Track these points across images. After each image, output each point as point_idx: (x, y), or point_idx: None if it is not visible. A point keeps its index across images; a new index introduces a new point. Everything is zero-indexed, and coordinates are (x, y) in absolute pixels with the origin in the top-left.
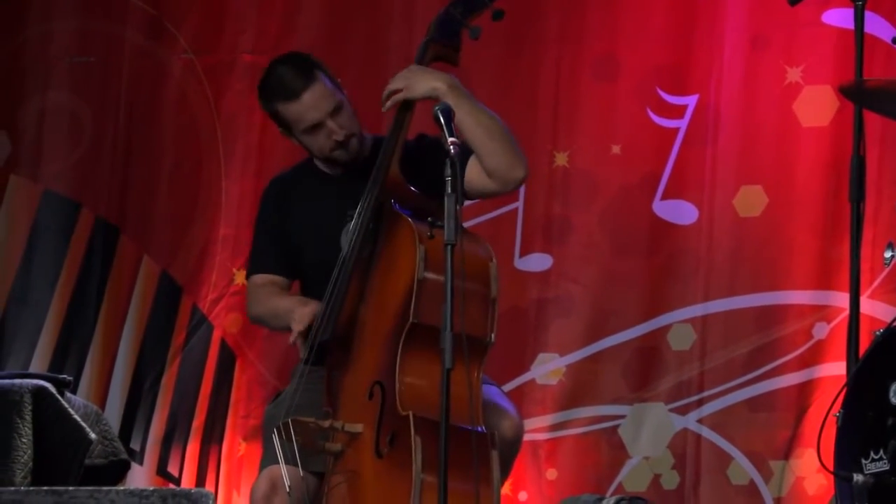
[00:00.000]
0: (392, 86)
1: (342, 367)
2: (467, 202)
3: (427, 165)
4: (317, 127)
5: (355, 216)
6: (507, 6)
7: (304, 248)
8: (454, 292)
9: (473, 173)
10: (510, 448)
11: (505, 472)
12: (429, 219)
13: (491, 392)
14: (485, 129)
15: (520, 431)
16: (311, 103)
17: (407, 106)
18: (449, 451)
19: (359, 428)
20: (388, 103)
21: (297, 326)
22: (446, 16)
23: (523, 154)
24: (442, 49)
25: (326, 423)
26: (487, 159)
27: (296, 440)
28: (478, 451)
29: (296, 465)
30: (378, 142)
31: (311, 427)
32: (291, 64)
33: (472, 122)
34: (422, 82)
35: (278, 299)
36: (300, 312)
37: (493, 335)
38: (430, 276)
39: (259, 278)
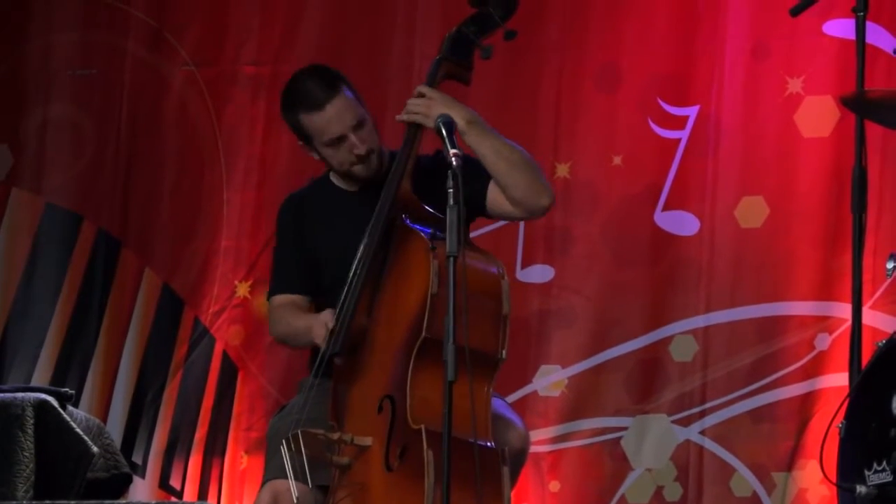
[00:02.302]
0: (414, 108)
1: (349, 379)
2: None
3: (441, 182)
4: (339, 140)
5: (367, 231)
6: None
7: (324, 266)
8: (462, 306)
9: (497, 198)
10: (517, 459)
11: (511, 483)
12: (430, 230)
13: (497, 404)
14: (507, 162)
15: (526, 442)
16: (334, 115)
17: (418, 126)
18: (460, 467)
19: (368, 441)
20: (405, 118)
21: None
22: (459, 34)
23: (547, 182)
24: (454, 67)
25: (336, 436)
26: (512, 191)
27: (305, 453)
28: (488, 467)
29: (303, 477)
30: (394, 156)
31: (320, 439)
32: (316, 76)
33: (495, 156)
34: (440, 113)
35: (296, 319)
36: (319, 328)
37: (504, 352)
38: (444, 290)
39: (279, 299)
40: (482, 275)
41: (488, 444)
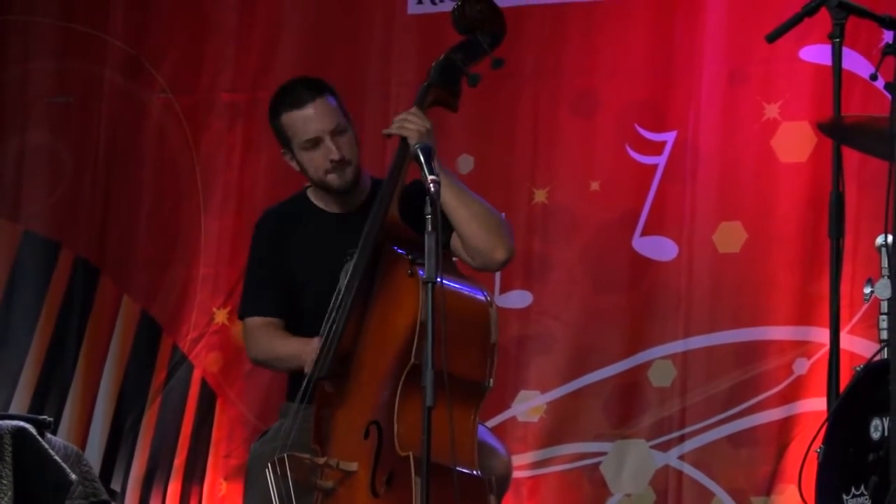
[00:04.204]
0: (407, 123)
1: (334, 404)
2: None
3: (421, 210)
4: (316, 143)
5: (355, 254)
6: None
7: (303, 286)
8: (442, 331)
9: (457, 243)
10: (501, 485)
11: None
12: (409, 256)
13: (479, 431)
14: (466, 213)
15: (510, 468)
16: (313, 115)
17: (408, 147)
18: (447, 495)
19: (353, 466)
20: (394, 131)
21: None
22: (447, 61)
23: (508, 236)
24: (442, 94)
25: (322, 461)
26: (466, 241)
27: (291, 476)
28: (475, 496)
29: (289, 502)
30: (377, 183)
31: (306, 464)
32: (304, 79)
33: (454, 204)
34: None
35: (279, 343)
36: (311, 356)
37: (491, 380)
38: (433, 317)
39: (254, 321)
40: (470, 303)
41: (474, 472)
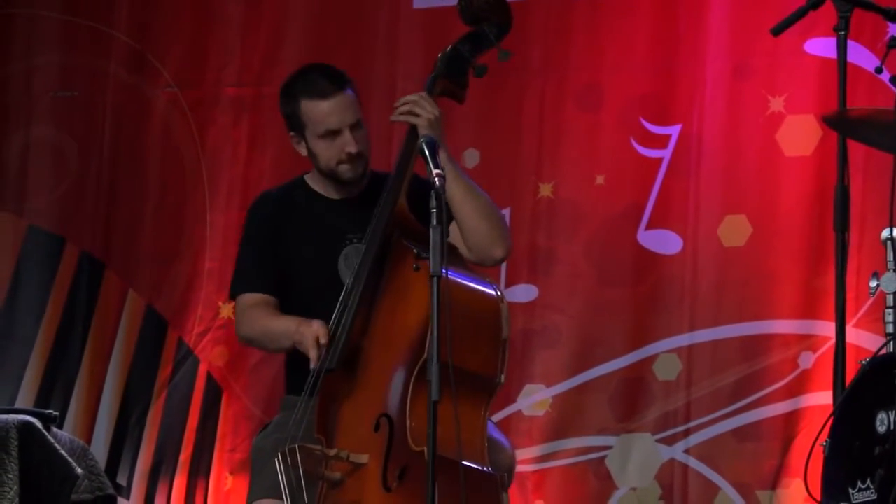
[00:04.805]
0: (418, 109)
1: (341, 396)
2: None
3: (426, 204)
4: (334, 134)
5: (364, 246)
6: None
7: (299, 270)
8: (447, 326)
9: (456, 238)
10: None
11: None
12: (414, 250)
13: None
14: (471, 207)
15: (514, 461)
16: (336, 107)
17: (417, 135)
18: (459, 491)
19: (364, 459)
20: (401, 117)
21: (315, 351)
22: (454, 52)
23: (507, 234)
24: (449, 85)
25: (332, 452)
26: (468, 234)
27: (301, 467)
28: (488, 492)
29: (299, 493)
30: (376, 176)
31: (316, 455)
32: (326, 69)
33: (462, 198)
34: (432, 132)
35: (272, 320)
36: (308, 337)
37: (502, 376)
38: (446, 312)
39: (248, 298)
40: (481, 298)
41: (485, 468)
